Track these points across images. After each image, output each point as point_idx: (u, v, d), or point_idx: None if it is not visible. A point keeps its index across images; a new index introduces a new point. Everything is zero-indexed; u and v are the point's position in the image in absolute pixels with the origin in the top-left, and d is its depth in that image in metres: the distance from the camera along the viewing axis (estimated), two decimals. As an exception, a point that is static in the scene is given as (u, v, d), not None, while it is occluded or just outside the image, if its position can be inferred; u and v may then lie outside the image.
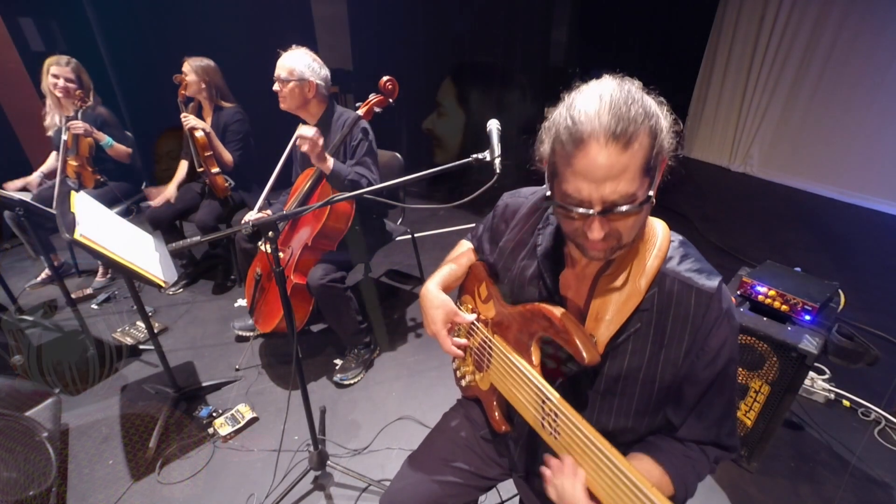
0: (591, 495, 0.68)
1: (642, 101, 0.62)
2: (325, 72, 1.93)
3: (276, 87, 1.90)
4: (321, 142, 1.74)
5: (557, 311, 0.77)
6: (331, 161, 1.80)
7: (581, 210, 0.64)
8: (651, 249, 0.74)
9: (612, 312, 0.74)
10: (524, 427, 0.94)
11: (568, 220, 0.68)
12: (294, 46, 1.90)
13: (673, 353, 0.74)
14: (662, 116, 0.64)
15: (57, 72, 2.39)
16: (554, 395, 0.75)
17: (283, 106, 1.96)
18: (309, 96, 1.92)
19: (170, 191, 2.60)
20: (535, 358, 0.83)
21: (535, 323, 0.81)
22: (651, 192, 0.64)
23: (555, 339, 0.77)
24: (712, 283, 0.72)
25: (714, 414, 0.76)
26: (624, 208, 0.62)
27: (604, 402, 0.81)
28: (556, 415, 0.74)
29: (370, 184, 1.86)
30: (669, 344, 0.74)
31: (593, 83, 0.66)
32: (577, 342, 0.72)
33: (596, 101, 0.61)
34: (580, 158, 0.61)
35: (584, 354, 0.71)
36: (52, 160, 2.70)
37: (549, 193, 0.69)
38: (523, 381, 0.82)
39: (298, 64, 1.85)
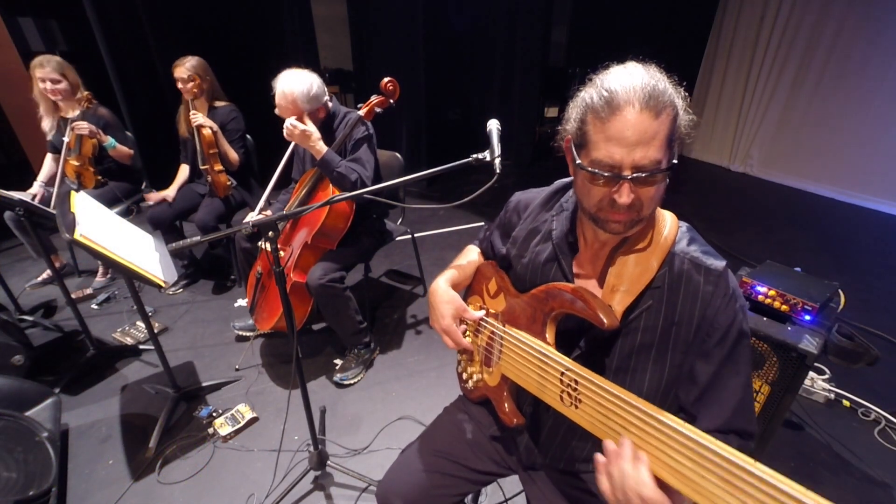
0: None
1: (664, 79, 0.69)
2: (322, 85, 1.88)
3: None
4: (300, 129, 1.77)
5: (572, 285, 0.81)
6: (321, 146, 1.81)
7: (611, 174, 0.68)
8: (662, 231, 0.79)
9: (627, 284, 0.77)
10: (531, 418, 0.96)
11: (595, 188, 0.72)
12: (278, 79, 1.80)
13: (683, 330, 0.77)
14: (679, 97, 0.71)
15: (41, 74, 2.35)
16: (574, 365, 0.76)
17: None
18: (321, 117, 1.93)
19: (169, 192, 2.60)
20: (550, 336, 0.84)
21: (550, 301, 0.83)
22: (675, 161, 0.70)
23: (571, 310, 0.79)
24: (720, 263, 0.77)
25: (732, 397, 0.77)
26: (649, 173, 0.67)
27: (616, 379, 0.80)
28: (576, 382, 0.75)
29: (360, 179, 1.85)
30: (680, 321, 0.77)
31: (619, 66, 0.72)
32: (596, 308, 0.74)
33: (628, 76, 0.68)
34: (615, 123, 0.66)
35: (604, 319, 0.73)
36: (49, 166, 2.67)
37: (579, 162, 0.72)
38: (539, 361, 0.83)
39: (300, 102, 1.79)
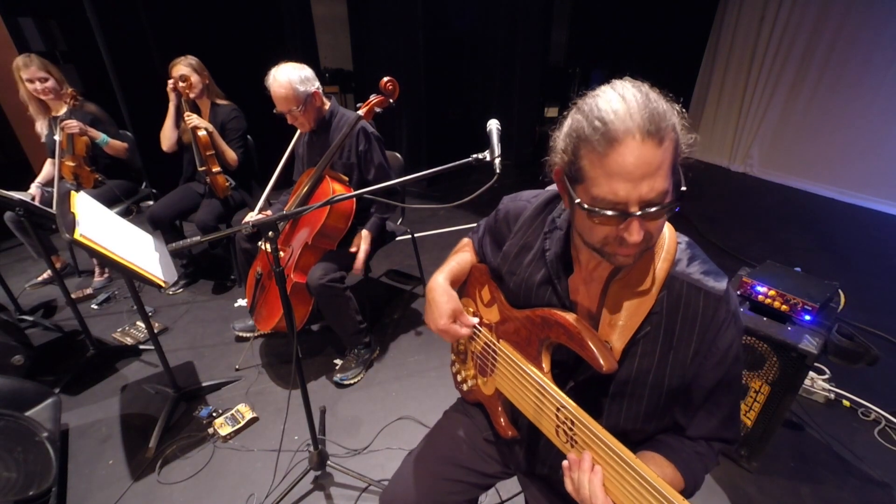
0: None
1: (659, 99, 0.62)
2: (311, 71, 1.90)
3: (289, 120, 1.91)
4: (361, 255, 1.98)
5: (570, 318, 0.76)
6: (368, 235, 2.00)
7: (616, 213, 0.62)
8: (659, 252, 0.74)
9: (625, 317, 0.74)
10: (527, 429, 0.94)
11: (598, 226, 0.66)
12: (269, 77, 1.83)
13: (681, 355, 0.74)
14: (677, 115, 0.64)
15: (28, 75, 2.34)
16: (569, 404, 0.74)
17: (305, 129, 2.01)
18: (318, 104, 1.94)
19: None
20: (546, 365, 0.81)
21: (546, 329, 0.80)
22: (683, 188, 0.65)
23: (568, 345, 0.76)
24: (720, 285, 0.73)
25: (722, 412, 0.78)
26: (659, 207, 0.62)
27: (613, 405, 0.80)
28: (571, 423, 0.73)
29: (393, 186, 1.87)
30: (678, 346, 0.74)
31: (606, 88, 0.64)
32: (594, 349, 0.71)
33: (621, 101, 0.60)
34: (616, 158, 0.59)
35: (602, 362, 0.70)
36: (49, 169, 2.66)
37: (578, 200, 0.65)
38: (534, 389, 0.81)
39: (295, 86, 1.81)
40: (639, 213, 0.61)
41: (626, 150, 0.59)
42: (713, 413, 0.78)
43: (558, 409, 0.76)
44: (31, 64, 2.34)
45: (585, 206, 0.64)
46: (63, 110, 2.44)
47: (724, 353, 0.73)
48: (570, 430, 0.74)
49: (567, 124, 0.66)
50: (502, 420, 0.93)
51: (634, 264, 0.73)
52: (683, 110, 0.65)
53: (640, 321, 0.73)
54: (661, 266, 0.73)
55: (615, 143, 0.59)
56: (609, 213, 0.62)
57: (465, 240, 1.13)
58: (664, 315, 0.74)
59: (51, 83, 2.40)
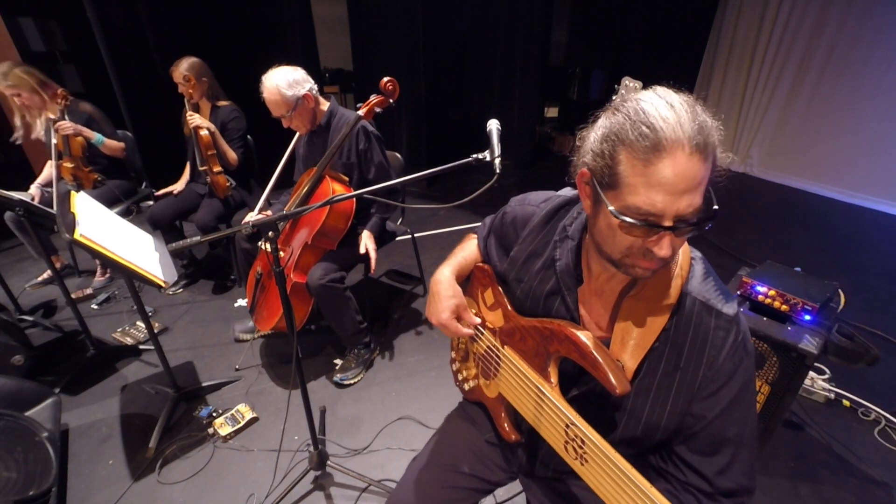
0: None
1: (704, 113, 0.59)
2: (303, 73, 1.90)
3: (284, 123, 1.93)
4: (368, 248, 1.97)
5: (583, 336, 0.73)
6: (370, 234, 2.00)
7: (649, 225, 0.60)
8: (674, 268, 0.71)
9: (637, 335, 0.71)
10: (530, 432, 0.93)
11: (624, 236, 0.63)
12: (264, 76, 1.84)
13: (689, 377, 0.71)
14: (716, 130, 0.62)
15: (9, 93, 2.31)
16: (580, 422, 0.71)
17: (302, 132, 2.02)
18: (312, 106, 1.94)
19: (177, 186, 2.67)
20: (554, 378, 0.79)
21: (556, 343, 0.78)
22: (715, 206, 0.61)
23: (579, 363, 0.74)
24: (732, 307, 0.70)
25: (723, 455, 0.72)
26: (692, 224, 0.60)
27: (612, 416, 0.79)
28: (582, 441, 0.71)
29: (393, 186, 1.88)
30: (686, 367, 0.71)
31: (648, 92, 0.61)
32: (608, 371, 0.68)
33: (669, 108, 0.57)
34: (661, 168, 0.57)
35: (616, 385, 0.67)
36: (49, 170, 2.65)
37: (611, 207, 0.62)
38: (542, 402, 0.79)
39: (283, 90, 1.82)
40: (673, 227, 0.59)
41: (673, 161, 0.56)
42: (715, 459, 0.72)
43: (568, 426, 0.73)
44: (2, 83, 2.30)
45: (618, 213, 0.61)
46: (56, 112, 2.42)
47: (728, 378, 0.69)
48: (581, 447, 0.71)
49: (603, 125, 0.63)
50: (506, 425, 0.92)
51: (650, 279, 0.71)
52: (721, 127, 0.62)
53: (654, 339, 0.71)
54: (675, 282, 0.71)
55: (662, 153, 0.56)
56: (640, 223, 0.60)
57: (472, 236, 1.11)
58: (672, 331, 0.71)
59: (25, 94, 2.36)
